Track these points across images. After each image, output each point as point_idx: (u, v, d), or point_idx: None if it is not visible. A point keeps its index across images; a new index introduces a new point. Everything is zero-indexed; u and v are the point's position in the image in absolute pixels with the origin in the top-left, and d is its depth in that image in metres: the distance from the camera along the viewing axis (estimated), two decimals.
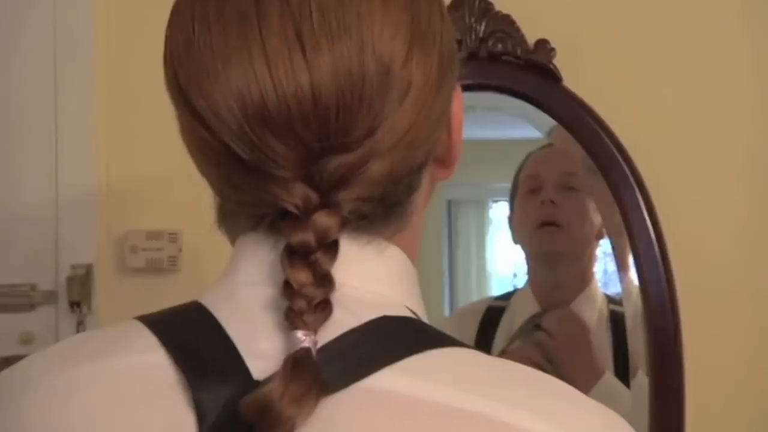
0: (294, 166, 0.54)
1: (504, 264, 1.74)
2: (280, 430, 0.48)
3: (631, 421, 0.57)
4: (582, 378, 1.47)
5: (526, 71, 1.49)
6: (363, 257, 0.58)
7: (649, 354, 1.44)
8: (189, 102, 0.56)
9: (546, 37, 1.48)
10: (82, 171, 1.56)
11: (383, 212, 0.58)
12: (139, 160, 1.58)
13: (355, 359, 0.53)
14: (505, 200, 1.62)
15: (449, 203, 1.77)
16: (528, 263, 1.59)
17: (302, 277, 0.52)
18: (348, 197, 0.54)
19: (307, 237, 0.53)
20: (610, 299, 1.54)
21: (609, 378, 1.48)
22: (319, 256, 0.53)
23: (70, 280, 1.53)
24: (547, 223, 1.54)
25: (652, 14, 1.54)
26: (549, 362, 1.49)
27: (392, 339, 0.55)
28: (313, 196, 0.53)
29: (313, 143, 0.54)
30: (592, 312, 1.53)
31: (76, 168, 1.56)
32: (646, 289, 1.44)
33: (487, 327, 1.56)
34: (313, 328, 0.52)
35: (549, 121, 1.51)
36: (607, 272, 1.55)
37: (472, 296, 1.78)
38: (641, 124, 1.51)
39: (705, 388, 1.47)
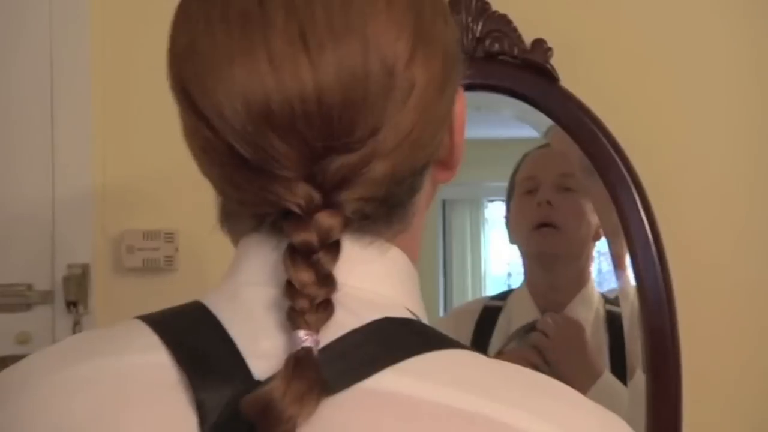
0: (297, 165, 0.54)
1: (499, 264, 1.74)
2: (282, 430, 0.49)
3: (629, 421, 0.57)
4: (579, 378, 1.47)
5: (523, 71, 1.49)
6: (365, 258, 0.58)
7: (646, 354, 1.44)
8: (192, 102, 0.56)
9: (543, 37, 1.48)
10: (78, 171, 1.56)
11: (385, 213, 0.58)
12: (136, 159, 1.58)
13: (357, 360, 0.53)
14: (501, 200, 1.62)
15: (444, 202, 1.77)
16: (524, 263, 1.59)
17: (304, 276, 0.53)
18: (350, 197, 0.54)
19: (309, 237, 0.53)
20: (607, 299, 1.54)
21: (608, 378, 1.48)
22: (322, 256, 0.53)
23: (66, 279, 1.53)
24: (544, 225, 1.55)
25: (650, 14, 1.54)
26: (545, 363, 1.49)
27: (393, 340, 0.55)
28: (316, 196, 0.53)
29: (316, 143, 0.54)
30: (589, 312, 1.53)
31: (72, 168, 1.56)
32: (643, 289, 1.45)
33: (484, 327, 1.57)
34: (315, 328, 0.52)
35: (546, 121, 1.51)
36: (602, 272, 1.56)
37: (467, 296, 1.78)
38: (638, 124, 1.51)
39: (702, 388, 1.47)
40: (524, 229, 1.57)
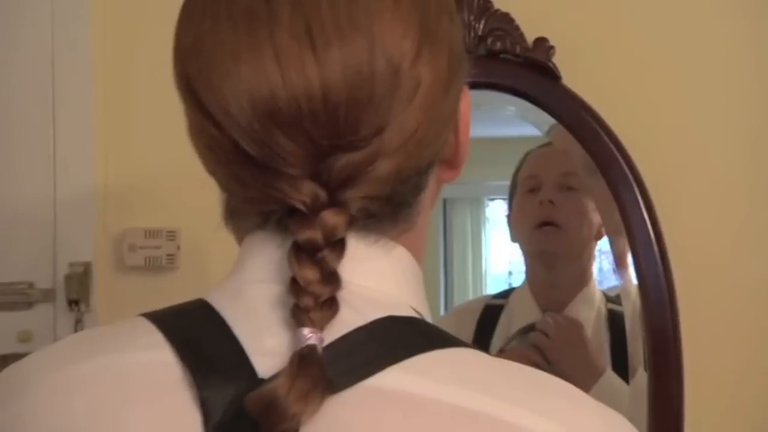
0: (302, 163, 0.54)
1: (500, 262, 1.74)
2: (286, 427, 0.49)
3: (630, 420, 0.57)
4: (581, 377, 1.47)
5: (525, 69, 1.49)
6: (370, 256, 0.58)
7: (648, 353, 1.44)
8: (198, 99, 0.56)
9: (545, 36, 1.48)
10: (80, 169, 1.56)
11: (390, 212, 0.58)
12: (138, 158, 1.58)
13: (361, 358, 0.53)
14: (501, 198, 1.62)
15: (445, 201, 1.77)
16: (526, 262, 1.59)
17: (309, 274, 0.53)
18: (355, 196, 0.54)
19: (314, 234, 0.53)
20: (609, 298, 1.54)
21: (610, 376, 1.48)
22: (326, 254, 0.53)
23: (68, 278, 1.53)
24: (546, 224, 1.55)
25: (652, 12, 1.54)
26: (547, 362, 1.49)
27: (397, 339, 0.55)
28: (321, 194, 0.53)
29: (322, 141, 0.54)
30: (591, 311, 1.53)
31: (74, 166, 1.56)
32: (645, 287, 1.44)
33: (485, 325, 1.57)
34: (320, 326, 0.52)
35: (548, 120, 1.51)
36: (602, 270, 1.56)
37: (467, 294, 1.78)
38: (640, 123, 1.51)
39: (704, 387, 1.47)
40: (526, 228, 1.57)
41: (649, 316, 1.44)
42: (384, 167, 0.55)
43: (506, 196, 1.61)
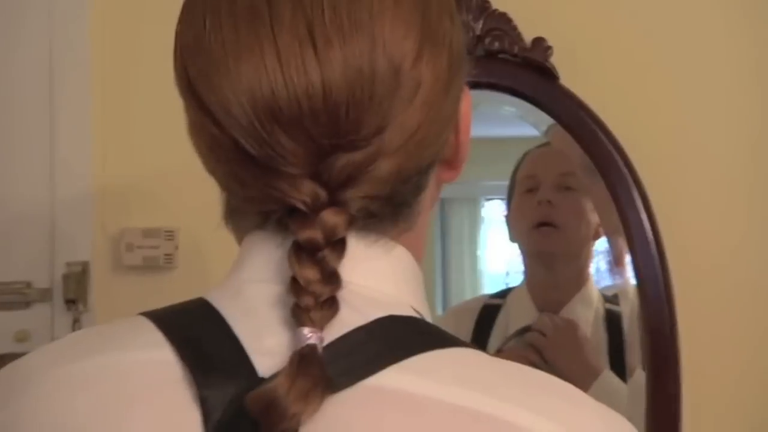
0: (303, 163, 0.54)
1: (497, 262, 1.74)
2: (286, 426, 0.48)
3: (629, 419, 0.57)
4: (579, 377, 1.47)
5: (522, 69, 1.49)
6: (370, 256, 0.58)
7: (646, 353, 1.44)
8: (199, 98, 0.56)
9: (543, 36, 1.48)
10: (78, 169, 1.56)
11: (391, 212, 0.58)
12: (135, 157, 1.58)
13: (361, 357, 0.53)
14: (499, 198, 1.62)
15: (442, 201, 1.77)
16: (524, 262, 1.59)
17: (309, 274, 0.53)
18: (356, 195, 0.54)
19: (314, 234, 0.53)
20: (607, 298, 1.54)
21: (607, 376, 1.48)
22: (327, 254, 0.53)
23: (65, 277, 1.53)
24: (544, 224, 1.55)
25: (650, 12, 1.54)
26: (544, 362, 1.49)
27: (397, 338, 0.55)
28: (322, 194, 0.53)
29: (322, 140, 0.54)
30: (589, 311, 1.53)
31: (72, 165, 1.56)
32: (643, 287, 1.44)
33: (484, 325, 1.57)
34: (320, 326, 0.52)
35: (546, 120, 1.51)
36: (600, 270, 1.56)
37: (465, 294, 1.78)
38: (639, 123, 1.51)
39: (702, 387, 1.47)
40: (524, 228, 1.57)
41: (647, 316, 1.44)
42: (384, 167, 0.55)
43: (503, 196, 1.61)
